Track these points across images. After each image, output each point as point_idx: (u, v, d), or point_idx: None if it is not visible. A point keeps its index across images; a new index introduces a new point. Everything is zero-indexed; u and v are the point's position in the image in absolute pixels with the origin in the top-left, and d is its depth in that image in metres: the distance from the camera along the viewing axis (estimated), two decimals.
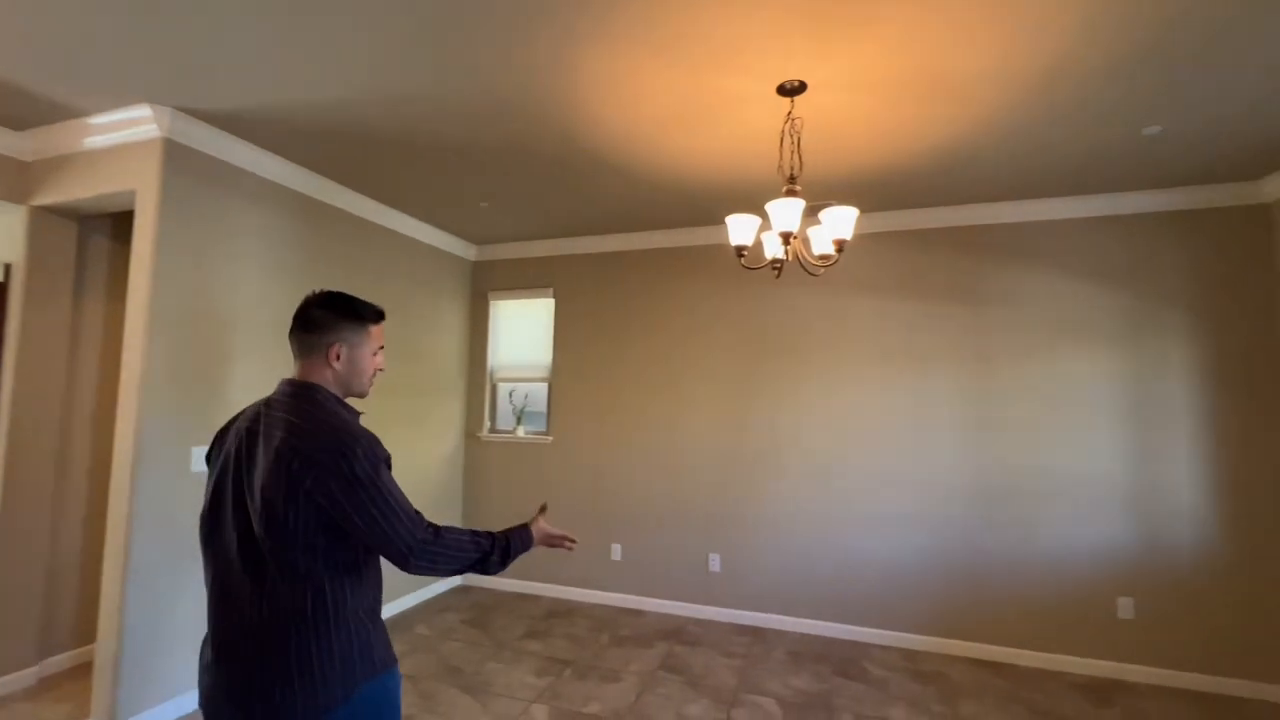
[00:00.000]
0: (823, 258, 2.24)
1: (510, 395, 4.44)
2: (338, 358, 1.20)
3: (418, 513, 1.13)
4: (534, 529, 1.33)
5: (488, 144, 2.74)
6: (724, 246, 3.95)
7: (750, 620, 3.71)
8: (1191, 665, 2.99)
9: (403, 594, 3.86)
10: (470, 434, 4.49)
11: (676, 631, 3.57)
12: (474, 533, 1.20)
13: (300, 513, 1.04)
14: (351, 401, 1.25)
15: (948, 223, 3.50)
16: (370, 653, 1.10)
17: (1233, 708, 2.79)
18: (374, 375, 1.29)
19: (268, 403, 1.17)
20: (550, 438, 4.26)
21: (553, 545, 1.38)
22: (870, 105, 2.31)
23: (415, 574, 1.30)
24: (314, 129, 2.61)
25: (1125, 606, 3.09)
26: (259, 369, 2.88)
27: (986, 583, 3.31)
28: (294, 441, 1.06)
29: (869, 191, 3.24)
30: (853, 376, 3.63)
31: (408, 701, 2.69)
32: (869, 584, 3.51)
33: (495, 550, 1.22)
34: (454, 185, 3.29)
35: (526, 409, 4.39)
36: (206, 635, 1.13)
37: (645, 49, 1.96)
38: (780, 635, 3.54)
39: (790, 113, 2.21)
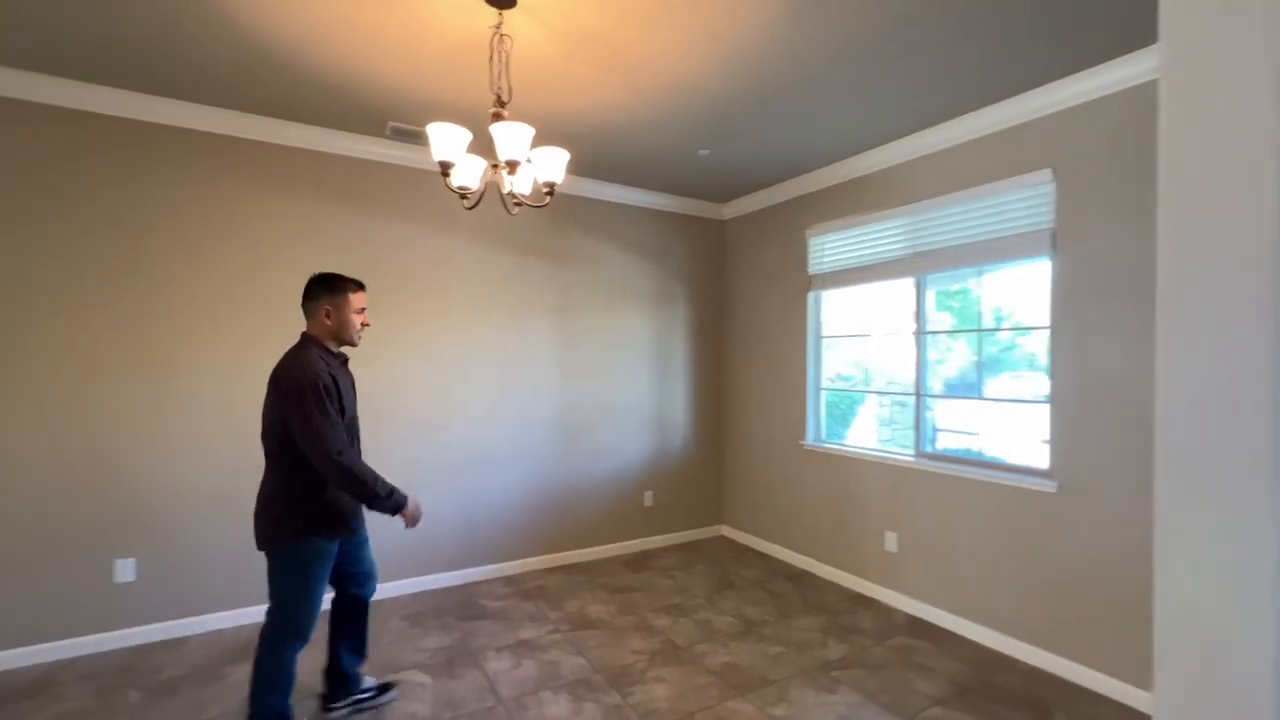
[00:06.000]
0: (516, 197, 2.13)
1: None
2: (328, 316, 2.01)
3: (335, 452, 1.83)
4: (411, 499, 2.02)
5: None
6: (332, 158, 3.16)
7: None
8: (682, 526, 4.41)
9: None
10: None
11: (234, 650, 2.77)
12: (377, 475, 1.92)
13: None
14: None
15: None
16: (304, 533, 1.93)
17: (705, 545, 4.29)
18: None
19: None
20: None
21: (410, 520, 2.02)
22: (560, 51, 2.32)
23: (330, 479, 1.88)
24: None
25: (648, 497, 4.26)
26: None
27: (566, 500, 3.93)
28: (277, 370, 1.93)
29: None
30: (460, 321, 3.56)
31: None
32: (481, 525, 3.60)
33: (389, 496, 1.94)
34: None
35: None
36: None
37: None
38: (392, 604, 3.24)
39: (499, 26, 1.99)
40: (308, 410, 1.80)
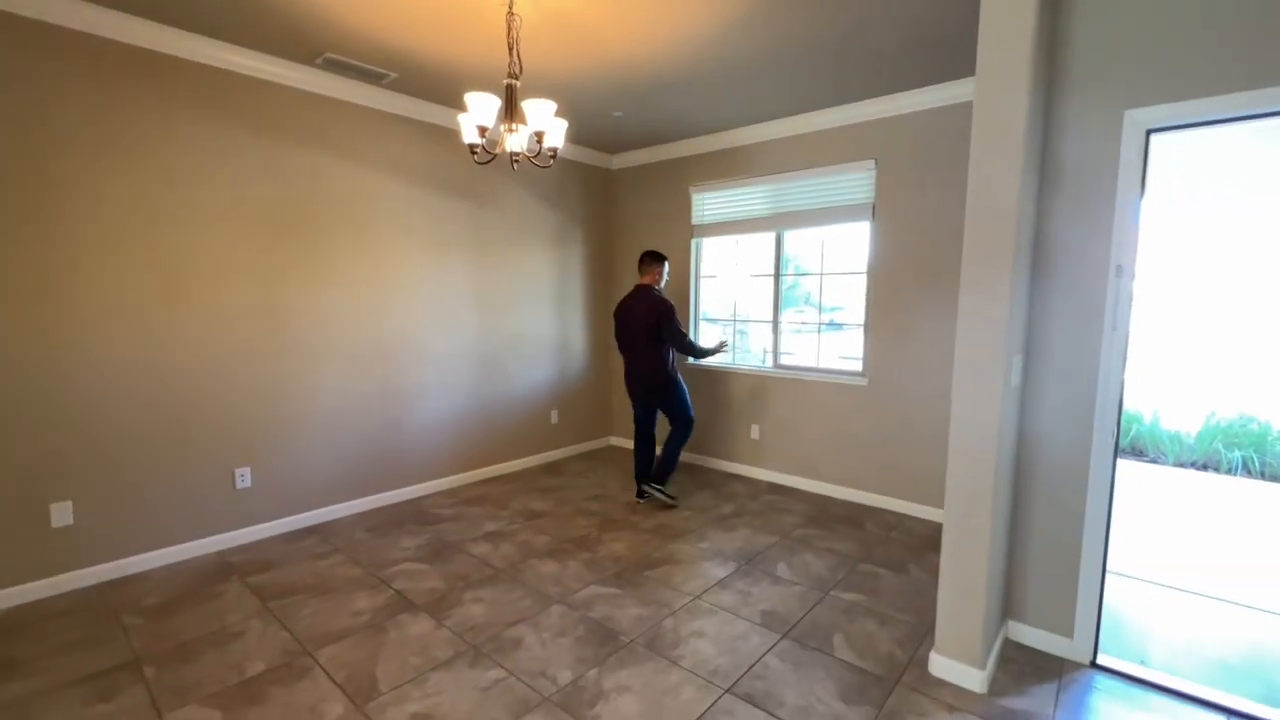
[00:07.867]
0: (518, 156, 2.52)
1: None
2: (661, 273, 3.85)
3: (687, 337, 3.76)
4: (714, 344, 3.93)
5: None
6: (268, 87, 3.05)
7: (303, 522, 3.39)
8: (580, 439, 5.14)
9: None
10: None
11: (221, 574, 2.89)
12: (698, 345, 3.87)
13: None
14: None
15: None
16: (678, 374, 3.87)
17: (601, 453, 5.07)
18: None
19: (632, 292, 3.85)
20: None
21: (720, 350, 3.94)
22: (538, 23, 2.66)
23: (682, 351, 3.76)
24: None
25: (554, 415, 4.87)
26: None
27: (486, 422, 4.38)
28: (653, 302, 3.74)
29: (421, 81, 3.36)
30: (391, 257, 3.70)
31: None
32: (414, 447, 3.91)
33: (708, 353, 3.89)
34: None
35: None
36: (626, 372, 3.87)
37: None
38: (345, 522, 3.48)
39: (511, 5, 2.31)
40: (676, 320, 3.70)
